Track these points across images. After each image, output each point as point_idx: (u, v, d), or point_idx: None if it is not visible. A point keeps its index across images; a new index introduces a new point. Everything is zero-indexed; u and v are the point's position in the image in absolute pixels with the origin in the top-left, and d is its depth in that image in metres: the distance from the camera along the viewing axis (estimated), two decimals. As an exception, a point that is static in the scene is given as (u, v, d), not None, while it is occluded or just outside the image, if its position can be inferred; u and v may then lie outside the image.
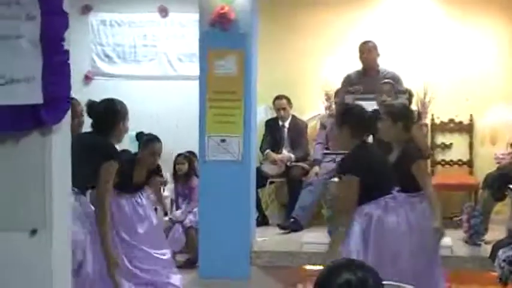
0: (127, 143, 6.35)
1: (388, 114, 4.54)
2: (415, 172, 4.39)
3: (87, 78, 8.38)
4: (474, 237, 6.13)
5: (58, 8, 2.71)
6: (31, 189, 2.72)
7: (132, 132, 7.14)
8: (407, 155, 4.47)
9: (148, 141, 5.70)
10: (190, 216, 7.05)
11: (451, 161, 7.62)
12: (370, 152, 4.28)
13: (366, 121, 4.32)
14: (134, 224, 5.43)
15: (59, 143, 2.79)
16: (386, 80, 5.91)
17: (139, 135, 5.74)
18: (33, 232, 2.71)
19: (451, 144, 7.62)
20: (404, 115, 4.59)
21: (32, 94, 2.66)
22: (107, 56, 8.48)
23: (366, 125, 4.32)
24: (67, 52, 2.76)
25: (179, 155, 7.38)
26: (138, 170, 5.66)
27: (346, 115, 4.36)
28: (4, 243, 2.73)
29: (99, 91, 8.11)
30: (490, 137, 7.49)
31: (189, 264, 6.89)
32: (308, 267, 6.19)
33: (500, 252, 4.88)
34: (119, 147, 5.09)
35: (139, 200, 5.55)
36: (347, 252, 3.97)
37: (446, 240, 5.93)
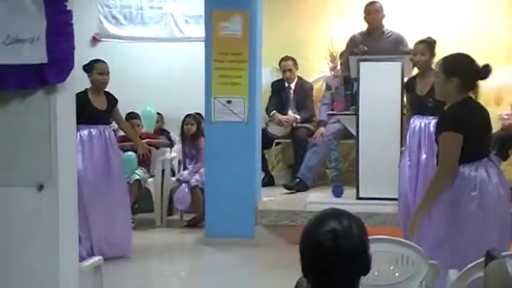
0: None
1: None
2: None
3: (95, 40, 8.42)
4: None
5: (61, -31, 2.77)
6: (37, 146, 2.81)
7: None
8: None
9: (91, 63, 5.91)
10: (196, 176, 7.16)
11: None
12: (474, 107, 3.83)
13: (478, 75, 3.83)
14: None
15: (64, 101, 2.88)
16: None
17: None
18: (41, 187, 2.81)
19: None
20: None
21: (36, 54, 2.74)
22: (114, 17, 8.51)
23: (475, 79, 3.84)
24: (70, 12, 2.83)
25: (188, 115, 7.46)
26: (94, 95, 5.88)
27: (457, 65, 3.81)
28: (13, 198, 2.84)
29: (106, 53, 8.16)
30: (494, 97, 7.51)
31: (195, 223, 7.02)
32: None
33: None
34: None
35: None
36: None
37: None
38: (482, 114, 3.85)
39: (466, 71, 3.77)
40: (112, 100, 6.04)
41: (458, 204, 3.65)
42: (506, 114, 7.13)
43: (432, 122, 5.43)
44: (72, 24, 2.79)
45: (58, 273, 2.88)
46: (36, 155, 2.81)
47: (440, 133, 3.73)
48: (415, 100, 5.66)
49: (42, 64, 2.73)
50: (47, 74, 2.73)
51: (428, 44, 5.58)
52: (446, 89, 3.77)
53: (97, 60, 5.99)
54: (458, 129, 3.65)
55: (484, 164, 3.73)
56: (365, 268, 1.96)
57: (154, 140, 7.49)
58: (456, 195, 3.66)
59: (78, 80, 3.15)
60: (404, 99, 6.03)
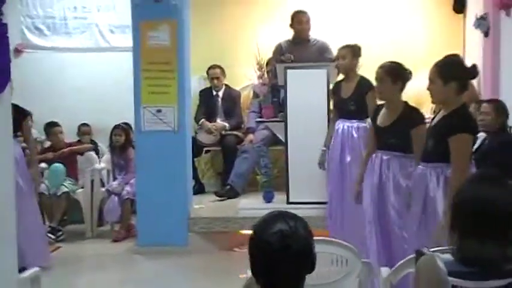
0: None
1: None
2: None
3: (17, 51, 8.26)
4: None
5: (-5, -18, 2.77)
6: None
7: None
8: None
9: None
10: (128, 188, 7.12)
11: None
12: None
13: (470, 75, 3.90)
14: None
15: (1, 112, 2.87)
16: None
17: None
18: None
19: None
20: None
21: (-28, 67, 2.72)
22: (37, 28, 8.39)
23: (468, 80, 3.92)
24: (5, 25, 2.84)
25: (116, 126, 7.42)
26: None
27: (453, 70, 3.83)
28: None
29: (30, 64, 8.10)
30: (415, 101, 7.75)
31: (122, 239, 6.96)
32: (244, 231, 6.37)
33: None
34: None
35: None
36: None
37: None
38: None
39: (462, 73, 3.84)
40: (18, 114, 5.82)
41: None
42: (427, 118, 7.38)
43: (355, 125, 5.64)
44: (7, 37, 2.80)
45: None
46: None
47: (450, 135, 3.74)
48: (339, 104, 5.83)
49: (-22, 77, 2.73)
50: (-16, 87, 2.73)
51: (350, 49, 5.73)
52: (445, 94, 3.80)
53: None
54: (470, 131, 3.78)
55: None
56: (311, 266, 2.06)
57: (76, 147, 7.46)
58: None
59: None
60: (332, 104, 6.20)
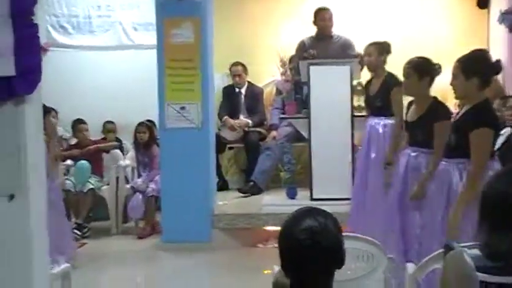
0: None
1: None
2: None
3: (43, 50, 8.31)
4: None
5: (26, -17, 2.82)
6: (7, 156, 2.85)
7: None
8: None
9: None
10: (152, 185, 7.17)
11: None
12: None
13: (494, 71, 3.95)
14: None
15: (32, 112, 2.92)
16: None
17: None
18: (11, 197, 2.85)
19: (404, 106, 7.90)
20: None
21: (4, 67, 2.77)
22: (62, 27, 8.48)
23: (492, 76, 3.97)
24: (36, 26, 2.88)
25: (140, 124, 7.49)
26: None
27: (476, 65, 3.86)
28: (-17, 209, 2.86)
29: (55, 62, 8.17)
30: (440, 95, 7.76)
31: (146, 236, 7.02)
32: (267, 228, 6.41)
33: None
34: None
35: None
36: None
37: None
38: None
39: (484, 69, 3.86)
40: None
41: None
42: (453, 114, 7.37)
43: (382, 121, 5.64)
44: (38, 37, 2.85)
45: (32, 281, 2.92)
46: (6, 165, 2.85)
47: (471, 130, 3.76)
48: (368, 100, 5.87)
49: (11, 76, 2.77)
50: (16, 87, 2.77)
51: (376, 46, 5.75)
52: (467, 89, 3.83)
53: None
54: (491, 126, 3.79)
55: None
56: (340, 262, 2.09)
57: (102, 145, 7.54)
58: None
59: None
60: (355, 101, 6.22)
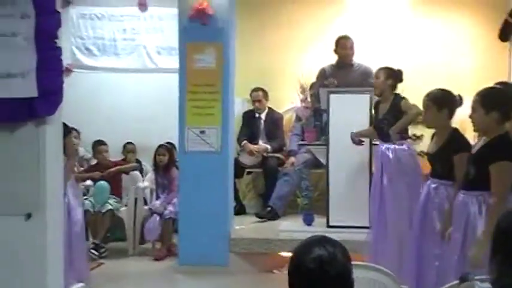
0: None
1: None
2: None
3: (67, 71, 8.44)
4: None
5: (51, 8, 2.91)
6: (26, 176, 2.91)
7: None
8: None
9: None
10: (170, 207, 7.21)
11: (422, 151, 7.86)
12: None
13: None
14: None
15: (52, 133, 2.99)
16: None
17: None
18: (28, 216, 2.90)
19: (422, 135, 7.89)
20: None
21: (27, 88, 2.85)
22: (87, 49, 8.61)
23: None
24: (59, 48, 2.96)
25: (160, 146, 7.55)
26: None
27: (496, 100, 3.90)
28: (2, 227, 2.92)
29: (79, 83, 8.30)
30: (459, 126, 7.75)
31: (161, 258, 7.03)
32: (284, 253, 6.39)
33: None
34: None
35: None
36: None
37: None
38: None
39: (504, 103, 3.89)
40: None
41: None
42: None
43: (392, 146, 5.64)
44: (61, 60, 2.92)
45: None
46: (24, 184, 2.91)
47: (491, 162, 3.78)
48: (376, 124, 5.92)
49: (33, 98, 2.84)
50: (38, 107, 2.84)
51: (384, 70, 5.82)
52: (486, 123, 3.86)
53: None
54: (510, 158, 3.77)
55: None
56: (348, 291, 2.11)
57: (123, 166, 7.60)
58: None
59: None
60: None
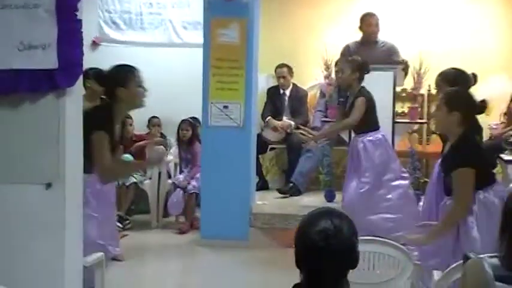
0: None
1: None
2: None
3: (94, 44, 8.57)
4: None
5: (72, -20, 2.94)
6: (47, 146, 2.97)
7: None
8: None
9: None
10: (193, 182, 7.28)
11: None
12: (473, 138, 4.04)
13: (477, 110, 4.04)
14: None
15: (72, 104, 3.04)
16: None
17: None
18: (48, 185, 2.96)
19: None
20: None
21: (47, 59, 2.90)
22: (114, 22, 8.66)
23: (475, 114, 4.07)
24: (80, 21, 3.00)
25: (183, 121, 7.60)
26: None
27: (458, 101, 3.95)
28: (22, 196, 3.00)
29: (105, 57, 8.31)
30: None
31: (184, 232, 7.11)
32: (304, 229, 6.41)
33: None
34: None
35: None
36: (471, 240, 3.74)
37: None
38: (480, 141, 4.11)
39: (467, 106, 3.95)
40: None
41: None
42: (495, 124, 7.31)
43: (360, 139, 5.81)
44: (81, 32, 2.96)
45: (63, 270, 3.03)
46: (45, 154, 2.97)
47: (452, 169, 3.85)
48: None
49: (53, 69, 2.89)
50: (58, 79, 2.89)
51: (350, 63, 5.90)
52: (447, 122, 3.94)
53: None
54: (469, 165, 3.81)
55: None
56: (353, 264, 2.14)
57: (150, 141, 7.64)
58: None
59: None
60: (398, 107, 6.23)
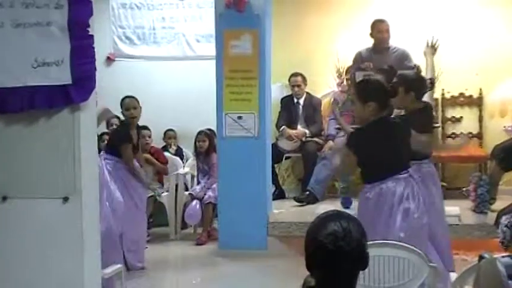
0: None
1: (401, 84, 4.46)
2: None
3: (109, 60, 8.67)
4: (481, 205, 6.36)
5: (83, -3, 3.01)
6: (63, 161, 3.04)
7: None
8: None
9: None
10: (210, 192, 7.32)
11: (461, 133, 7.83)
12: (382, 127, 4.09)
13: (389, 95, 4.13)
14: None
15: (86, 118, 3.10)
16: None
17: None
18: (66, 199, 3.02)
19: (461, 117, 7.84)
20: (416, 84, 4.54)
21: (62, 75, 2.97)
22: (128, 38, 8.75)
23: (388, 100, 4.14)
24: (92, 37, 3.07)
25: (200, 132, 7.64)
26: None
27: (371, 91, 4.07)
28: (40, 210, 3.05)
29: (120, 72, 8.48)
30: (499, 110, 7.68)
31: (202, 243, 7.12)
32: (322, 237, 6.42)
33: (503, 218, 5.10)
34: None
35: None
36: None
37: (455, 209, 6.22)
38: (391, 132, 4.12)
39: (380, 94, 4.06)
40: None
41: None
42: (511, 126, 7.29)
43: None
44: (93, 47, 3.03)
45: (83, 281, 3.08)
46: (61, 169, 3.03)
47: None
48: None
49: (67, 85, 2.96)
50: (72, 94, 2.96)
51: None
52: (364, 114, 4.06)
53: (126, 97, 6.40)
54: (352, 149, 4.06)
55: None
56: (363, 265, 2.17)
57: (153, 161, 7.55)
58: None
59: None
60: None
